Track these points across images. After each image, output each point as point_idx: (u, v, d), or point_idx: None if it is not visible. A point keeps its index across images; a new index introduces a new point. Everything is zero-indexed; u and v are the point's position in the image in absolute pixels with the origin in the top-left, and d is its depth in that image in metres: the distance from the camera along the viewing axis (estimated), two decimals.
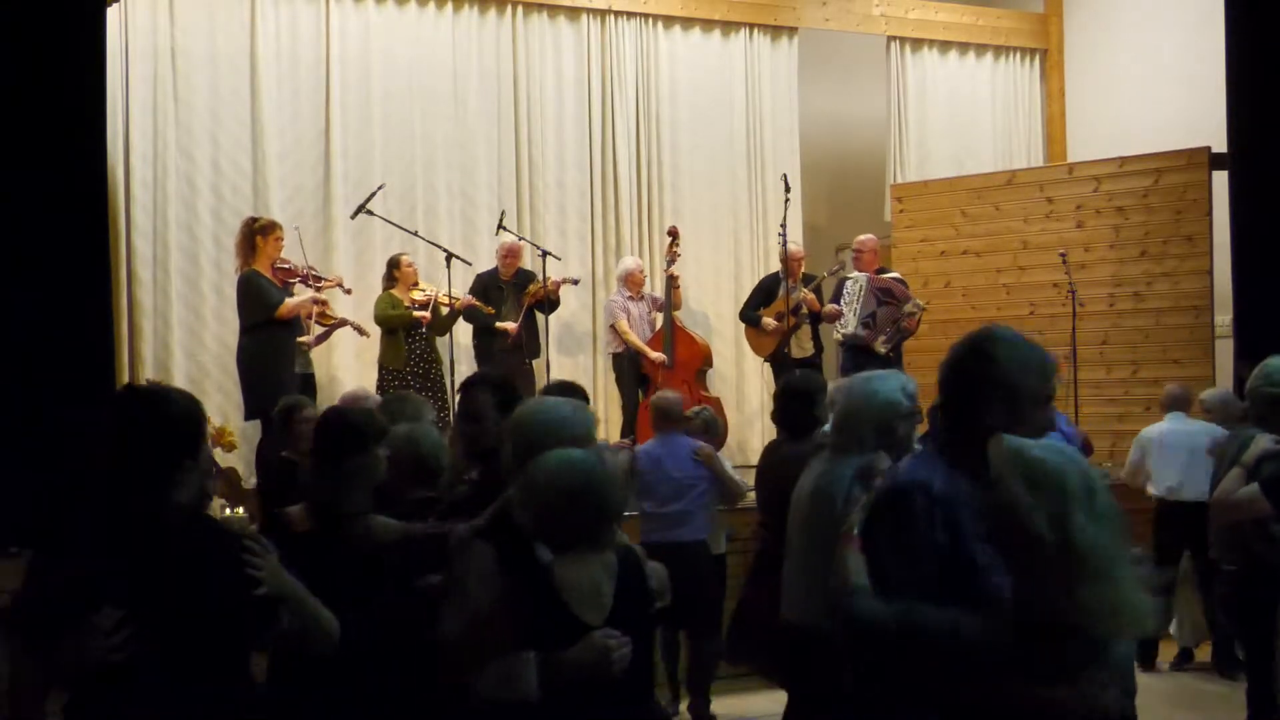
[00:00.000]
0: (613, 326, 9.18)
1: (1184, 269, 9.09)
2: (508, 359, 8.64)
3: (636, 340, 9.02)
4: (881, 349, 8.69)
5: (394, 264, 8.35)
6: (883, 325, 8.73)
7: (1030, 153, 11.20)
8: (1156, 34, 10.38)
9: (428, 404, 4.44)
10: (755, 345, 9.34)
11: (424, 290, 8.36)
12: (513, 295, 8.71)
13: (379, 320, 8.26)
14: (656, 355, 8.95)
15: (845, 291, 8.91)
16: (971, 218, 9.96)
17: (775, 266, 9.58)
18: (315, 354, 8.38)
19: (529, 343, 8.66)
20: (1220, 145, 8.14)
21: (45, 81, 5.83)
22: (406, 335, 8.22)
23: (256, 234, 7.51)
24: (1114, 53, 10.76)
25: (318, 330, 8.14)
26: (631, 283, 9.17)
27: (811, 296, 8.97)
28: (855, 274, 9.00)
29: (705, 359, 9.18)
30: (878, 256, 9.17)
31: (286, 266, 7.70)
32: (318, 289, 7.84)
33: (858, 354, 8.81)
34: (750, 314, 9.24)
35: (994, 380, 2.59)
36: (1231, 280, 7.70)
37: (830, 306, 8.93)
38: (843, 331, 8.85)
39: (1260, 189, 7.42)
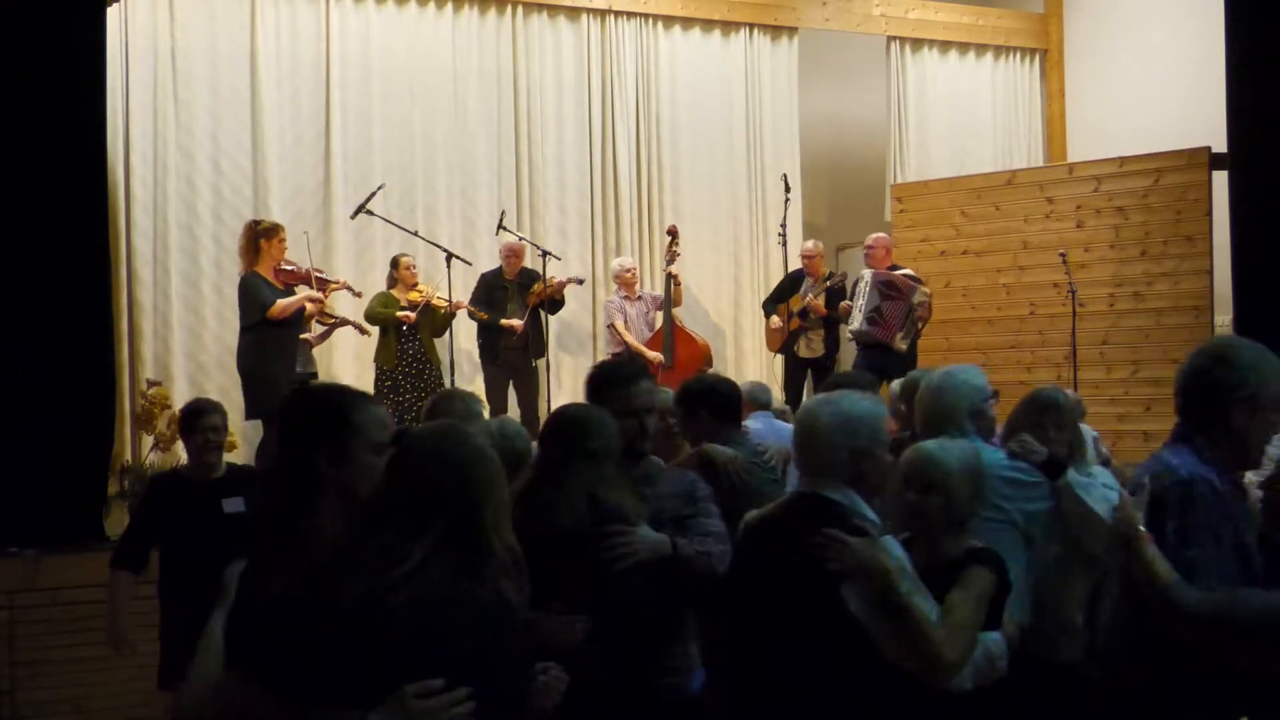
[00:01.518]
0: (610, 327, 9.20)
1: (1184, 269, 9.08)
2: (513, 359, 8.65)
3: (634, 341, 9.04)
4: (902, 345, 8.70)
5: (393, 264, 8.41)
6: (893, 321, 8.73)
7: (1030, 153, 11.20)
8: (1156, 34, 10.38)
9: (478, 400, 4.37)
10: (767, 339, 9.48)
11: (422, 291, 8.36)
12: (517, 295, 8.72)
13: (366, 317, 8.31)
14: (654, 355, 8.96)
15: (855, 290, 8.95)
16: (971, 218, 9.95)
17: (775, 266, 9.62)
18: (315, 354, 8.39)
19: (534, 342, 8.67)
20: (1220, 145, 8.12)
21: (45, 81, 5.83)
22: (398, 335, 8.20)
23: (260, 237, 7.48)
24: (1114, 53, 10.76)
25: (319, 329, 8.15)
26: (621, 283, 9.20)
27: (817, 303, 8.98)
28: (863, 271, 9.03)
29: (705, 358, 9.18)
30: (890, 254, 9.17)
31: (291, 269, 7.68)
32: (324, 293, 7.83)
33: (869, 351, 8.84)
34: (766, 306, 9.40)
35: (1235, 385, 2.86)
36: (1231, 280, 7.68)
37: (844, 304, 8.98)
38: (851, 329, 8.88)
39: (1260, 189, 7.41)
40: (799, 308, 9.07)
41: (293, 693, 2.24)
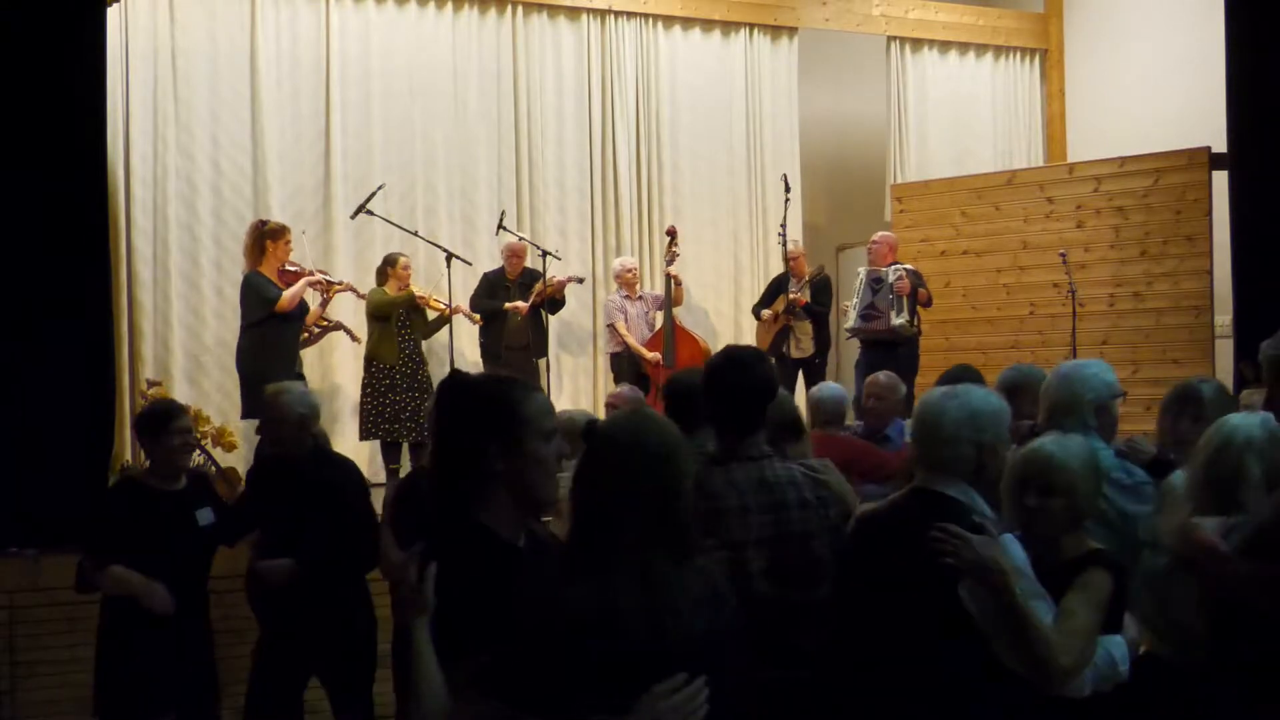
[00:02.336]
0: (610, 327, 9.20)
1: (1184, 269, 9.09)
2: (514, 359, 8.65)
3: (634, 341, 9.04)
4: (897, 320, 8.63)
5: (390, 262, 8.22)
6: (883, 306, 8.73)
7: (1030, 153, 11.20)
8: (1156, 34, 10.38)
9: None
10: (757, 342, 9.42)
11: (421, 292, 8.33)
12: (519, 295, 8.72)
13: (377, 304, 8.08)
14: (652, 355, 8.96)
15: (854, 289, 8.96)
16: (971, 218, 9.95)
17: (775, 266, 9.61)
18: (313, 353, 8.39)
19: (535, 341, 8.66)
20: (1220, 145, 8.12)
21: (45, 81, 5.83)
22: (399, 330, 8.13)
23: (266, 237, 7.47)
24: (1114, 53, 10.75)
25: (315, 330, 8.13)
26: (622, 282, 9.21)
27: (796, 297, 8.97)
28: (859, 269, 9.04)
29: (706, 359, 9.16)
30: (894, 253, 9.15)
31: (295, 270, 7.67)
32: (327, 296, 7.82)
33: (868, 348, 8.84)
34: (755, 311, 9.39)
35: None
36: (1231, 280, 7.69)
37: (845, 304, 8.98)
38: (847, 326, 8.89)
39: (1260, 189, 7.41)
40: (784, 306, 9.07)
41: (538, 707, 2.15)
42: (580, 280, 9.02)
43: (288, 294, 7.36)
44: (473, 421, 2.44)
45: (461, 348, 8.85)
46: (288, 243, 7.59)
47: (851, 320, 8.80)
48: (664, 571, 2.23)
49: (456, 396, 2.56)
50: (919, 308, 8.83)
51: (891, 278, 8.70)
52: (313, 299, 7.74)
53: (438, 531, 2.43)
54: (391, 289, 8.21)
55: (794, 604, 3.20)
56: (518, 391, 2.47)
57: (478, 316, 8.59)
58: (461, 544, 2.37)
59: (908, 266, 9.00)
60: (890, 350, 8.65)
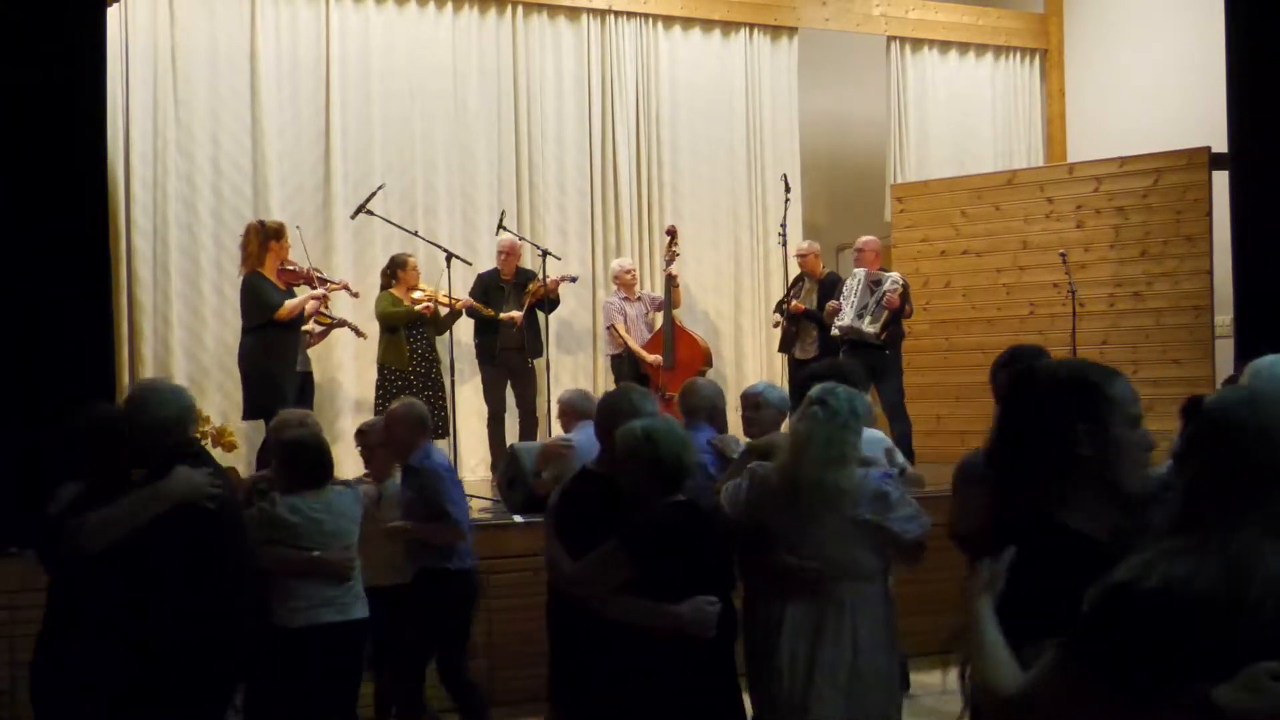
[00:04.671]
0: (610, 329, 9.19)
1: (1184, 269, 9.09)
2: (509, 359, 8.65)
3: (634, 343, 9.05)
4: (869, 329, 8.64)
5: (400, 264, 8.27)
6: (870, 308, 8.73)
7: (1030, 153, 11.20)
8: (1156, 34, 10.38)
9: (650, 396, 4.19)
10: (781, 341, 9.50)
11: (423, 290, 8.35)
12: (514, 294, 8.72)
13: (383, 317, 8.22)
14: (652, 357, 8.97)
15: (845, 287, 8.93)
16: (971, 218, 9.95)
17: (775, 266, 9.63)
18: (314, 353, 8.38)
19: (531, 342, 8.66)
20: (1220, 145, 8.12)
21: (45, 81, 5.82)
22: (408, 335, 8.19)
23: (270, 238, 7.47)
24: (1114, 53, 10.75)
25: (317, 329, 8.14)
26: (620, 284, 9.21)
27: (797, 303, 8.97)
28: (855, 270, 9.02)
29: (706, 359, 9.18)
30: (879, 257, 9.17)
31: (292, 269, 7.69)
32: (325, 293, 7.83)
33: (855, 348, 8.83)
34: (777, 309, 9.37)
35: None
36: (1231, 280, 7.68)
37: (831, 303, 8.96)
38: (839, 325, 8.86)
39: (1260, 189, 7.41)
40: (789, 308, 9.08)
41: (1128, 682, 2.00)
42: (574, 279, 8.99)
43: (289, 304, 7.38)
44: (1056, 405, 2.30)
45: (463, 344, 8.86)
46: (287, 242, 7.61)
47: (848, 319, 8.78)
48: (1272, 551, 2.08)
49: (1035, 381, 2.42)
50: (901, 319, 8.84)
51: (887, 285, 8.69)
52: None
53: (1004, 524, 2.32)
54: (399, 291, 8.23)
55: None
56: (1102, 373, 2.34)
57: (490, 310, 8.57)
58: (1039, 537, 2.26)
59: (904, 281, 8.96)
60: (872, 351, 8.65)
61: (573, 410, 5.84)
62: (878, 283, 8.77)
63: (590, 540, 3.74)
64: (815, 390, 3.98)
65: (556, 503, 4.08)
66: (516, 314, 8.59)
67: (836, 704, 3.80)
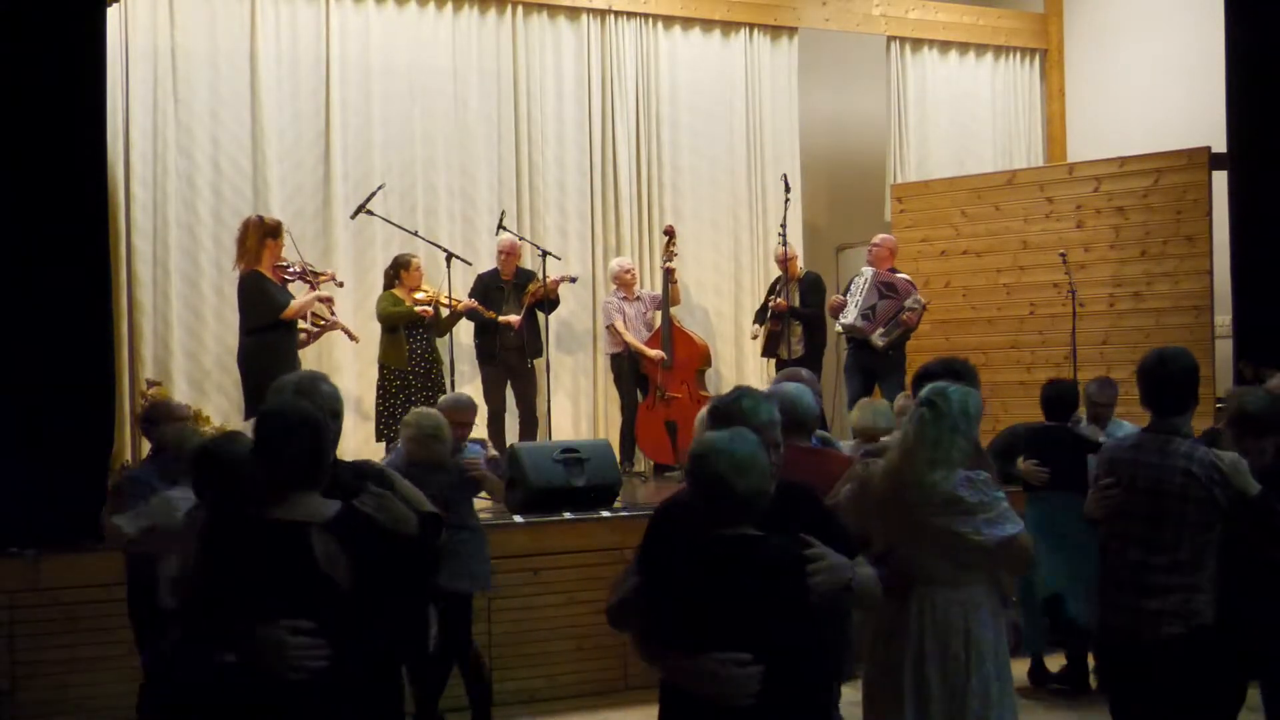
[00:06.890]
0: (610, 328, 9.19)
1: (1184, 269, 9.09)
2: (510, 359, 8.65)
3: (634, 340, 9.04)
4: (879, 342, 8.67)
5: (404, 264, 8.29)
6: (882, 318, 8.73)
7: (1030, 153, 11.20)
8: (1156, 34, 10.38)
9: (765, 402, 3.65)
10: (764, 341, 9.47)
11: (425, 291, 8.36)
12: (513, 295, 8.71)
13: (382, 317, 8.23)
14: (655, 353, 8.96)
15: (852, 284, 8.94)
16: (971, 218, 9.95)
17: (775, 266, 9.59)
18: (312, 353, 8.38)
19: (530, 342, 8.66)
20: (1220, 145, 8.13)
21: (45, 81, 5.82)
22: (408, 334, 8.20)
23: (269, 235, 7.48)
24: (1114, 53, 10.75)
25: (313, 329, 8.14)
26: (619, 283, 9.20)
27: (779, 301, 8.95)
28: (864, 268, 9.02)
29: (704, 359, 9.19)
30: (893, 257, 9.15)
31: (284, 264, 7.70)
32: (314, 284, 7.83)
33: (859, 348, 8.84)
34: (757, 315, 9.40)
35: None
36: (1231, 280, 7.69)
37: (835, 298, 8.96)
38: (843, 323, 8.85)
39: (1260, 189, 7.42)
40: (773, 309, 9.05)
41: None
42: (573, 279, 8.98)
43: (295, 304, 7.43)
44: None
45: (463, 344, 8.86)
46: (283, 240, 7.62)
47: (851, 318, 8.77)
48: None
49: None
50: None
51: (908, 303, 8.67)
52: (300, 290, 7.77)
53: None
54: (402, 291, 8.23)
55: None
56: None
57: (491, 312, 8.57)
58: None
59: (905, 276, 8.94)
60: (874, 352, 8.64)
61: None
62: (888, 285, 8.75)
63: (663, 568, 3.15)
64: (925, 391, 3.78)
65: (650, 518, 3.39)
66: (514, 317, 8.58)
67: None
